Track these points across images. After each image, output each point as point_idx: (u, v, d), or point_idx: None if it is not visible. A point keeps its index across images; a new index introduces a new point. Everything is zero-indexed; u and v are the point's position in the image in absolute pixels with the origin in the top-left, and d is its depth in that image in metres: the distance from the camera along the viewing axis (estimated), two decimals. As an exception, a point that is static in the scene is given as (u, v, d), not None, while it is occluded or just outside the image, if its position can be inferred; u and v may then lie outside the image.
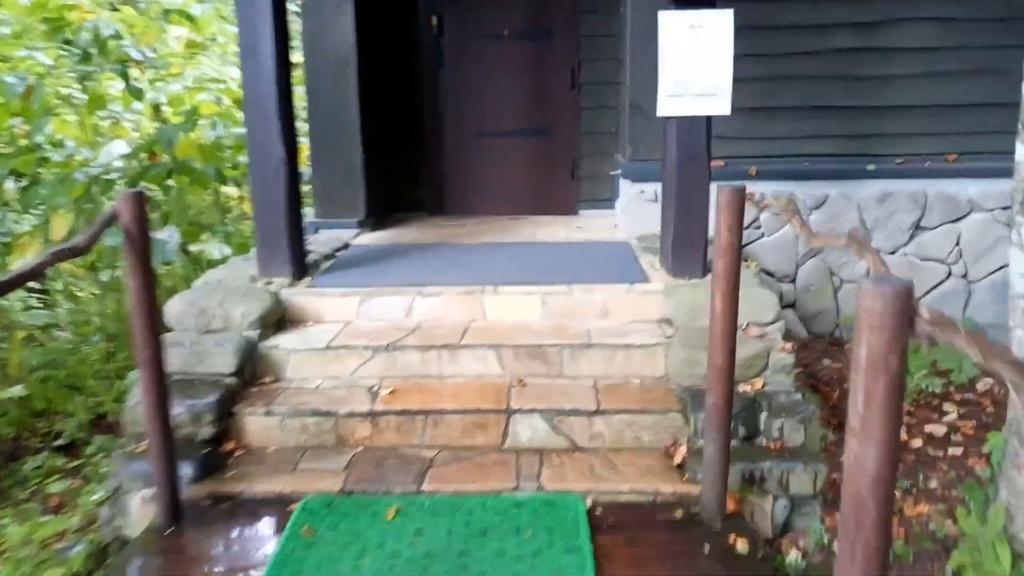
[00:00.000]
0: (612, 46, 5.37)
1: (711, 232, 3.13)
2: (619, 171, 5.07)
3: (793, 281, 4.80)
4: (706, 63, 3.52)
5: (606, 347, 3.38)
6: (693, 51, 3.51)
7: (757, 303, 3.40)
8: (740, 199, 2.47)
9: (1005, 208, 4.57)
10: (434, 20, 5.46)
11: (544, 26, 5.41)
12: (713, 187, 3.35)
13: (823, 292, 4.77)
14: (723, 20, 3.48)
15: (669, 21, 3.51)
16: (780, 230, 4.74)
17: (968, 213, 4.66)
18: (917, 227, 4.68)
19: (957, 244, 4.69)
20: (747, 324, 3.32)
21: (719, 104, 3.57)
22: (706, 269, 3.79)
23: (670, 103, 3.58)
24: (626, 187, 4.80)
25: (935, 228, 4.68)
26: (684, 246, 3.74)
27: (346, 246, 4.71)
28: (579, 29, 5.39)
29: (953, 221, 4.67)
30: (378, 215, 5.29)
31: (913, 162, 4.70)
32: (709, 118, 3.62)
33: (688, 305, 3.51)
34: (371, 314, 3.75)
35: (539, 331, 3.54)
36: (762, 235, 4.76)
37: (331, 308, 3.77)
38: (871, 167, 4.66)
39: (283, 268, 3.87)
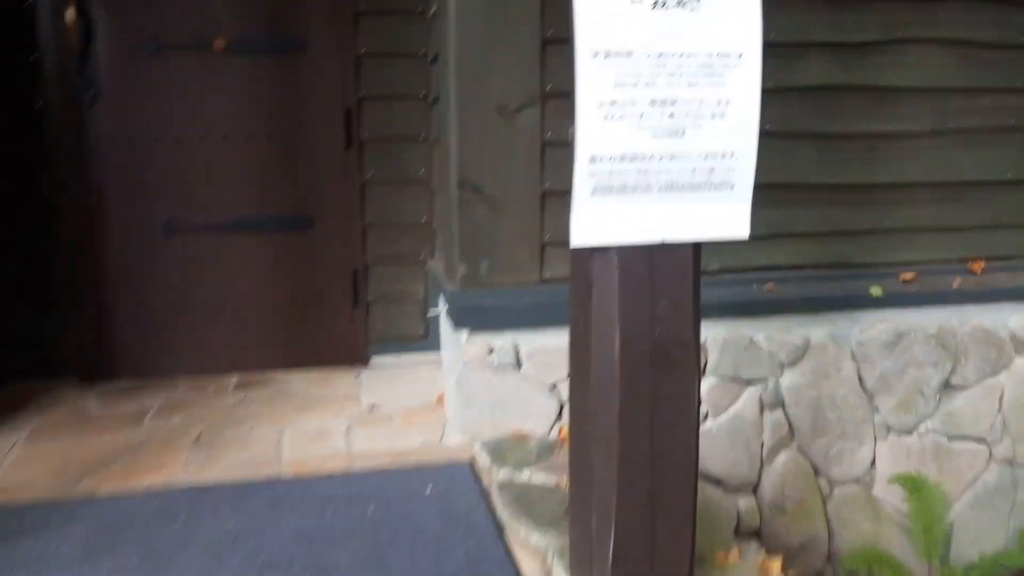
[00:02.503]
0: (418, 72, 3.07)
1: None
2: (441, 309, 2.75)
3: (756, 490, 2.72)
4: (698, 105, 1.30)
5: None
6: (664, 73, 1.28)
7: None
8: None
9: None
10: (71, 15, 2.85)
11: (290, 33, 3.00)
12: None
13: (807, 508, 2.73)
14: (745, -10, 1.29)
15: (592, -7, 1.26)
16: (733, 406, 2.65)
17: (1012, 358, 2.85)
18: (946, 386, 2.80)
19: (999, 409, 2.86)
20: None
21: (732, 209, 1.37)
22: (691, 606, 1.54)
23: (603, 212, 1.32)
24: (458, 340, 2.48)
25: (971, 387, 2.82)
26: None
27: None
28: (355, 41, 3.03)
29: (993, 374, 2.84)
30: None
31: (929, 277, 2.83)
32: (699, 248, 1.41)
33: None
34: None
35: None
36: (705, 416, 2.64)
37: None
38: (875, 290, 2.71)
39: None
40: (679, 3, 1.25)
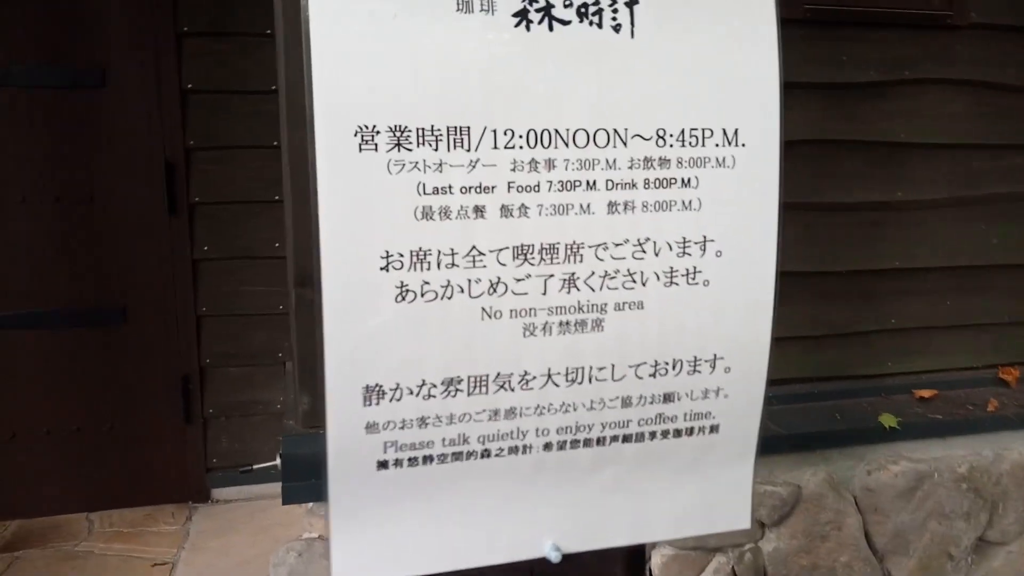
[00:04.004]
0: (268, 113, 2.28)
1: None
2: (275, 462, 1.94)
3: None
4: (635, 254, 0.54)
5: None
6: (552, 180, 0.52)
7: None
8: None
9: None
10: None
11: (84, 62, 2.17)
12: None
13: None
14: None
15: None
16: (697, 582, 1.89)
17: (1059, 498, 2.16)
18: (980, 540, 2.08)
19: (1044, 568, 2.17)
20: None
21: (716, 476, 0.60)
22: None
23: (402, 510, 0.54)
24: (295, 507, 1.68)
25: (1011, 543, 2.11)
26: None
27: None
28: (178, 72, 2.22)
29: (1037, 520, 2.14)
30: None
31: (952, 393, 2.13)
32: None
33: None
34: None
35: None
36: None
37: None
38: (888, 420, 1.99)
39: None
40: (583, 12, 0.49)
